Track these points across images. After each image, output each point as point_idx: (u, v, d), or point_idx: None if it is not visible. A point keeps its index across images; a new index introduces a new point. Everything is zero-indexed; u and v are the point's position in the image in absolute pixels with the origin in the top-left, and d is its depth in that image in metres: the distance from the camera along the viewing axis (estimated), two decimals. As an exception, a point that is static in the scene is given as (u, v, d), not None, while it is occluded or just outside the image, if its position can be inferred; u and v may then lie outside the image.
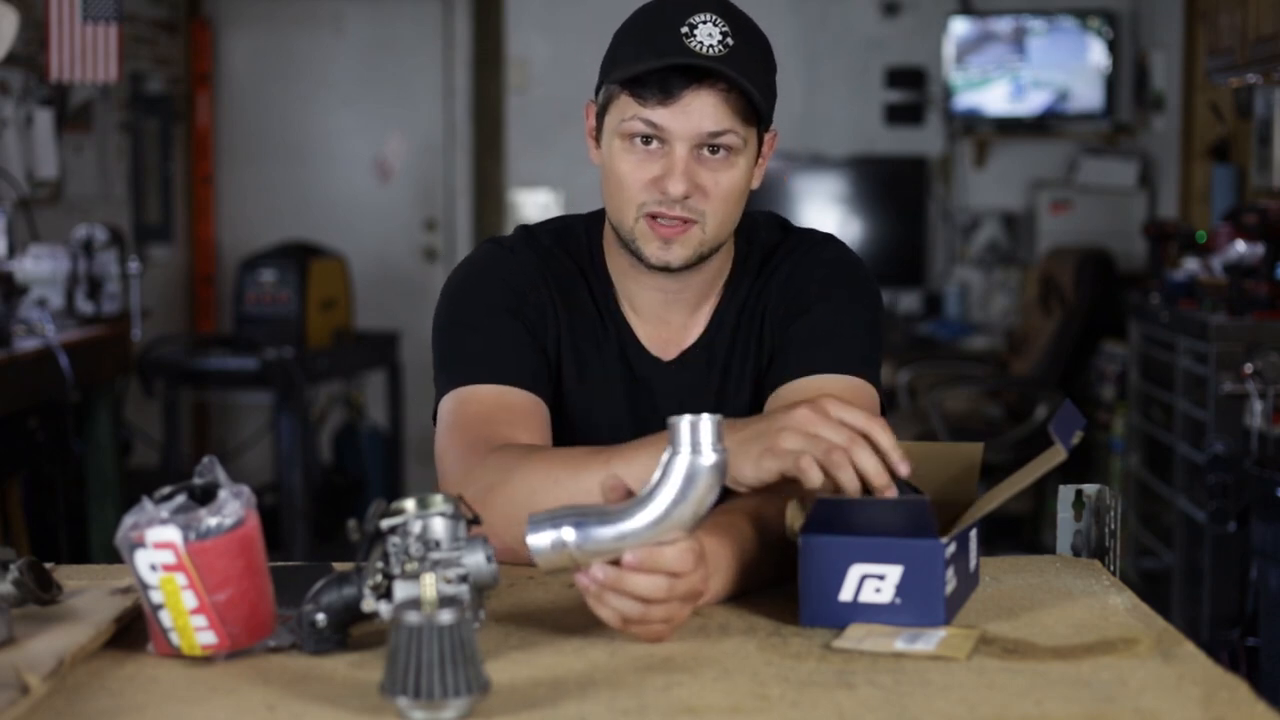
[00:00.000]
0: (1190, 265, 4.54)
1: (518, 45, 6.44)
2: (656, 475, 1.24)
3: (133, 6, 5.66)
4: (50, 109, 4.94)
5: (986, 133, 6.36)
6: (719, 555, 1.36)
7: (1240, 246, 3.99)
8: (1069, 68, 6.23)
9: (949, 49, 6.27)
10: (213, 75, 6.47)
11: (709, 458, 1.23)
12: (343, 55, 6.54)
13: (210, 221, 6.49)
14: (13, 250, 4.29)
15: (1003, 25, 6.24)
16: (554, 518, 1.24)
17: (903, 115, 6.44)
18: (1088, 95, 6.23)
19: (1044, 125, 6.31)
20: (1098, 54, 6.21)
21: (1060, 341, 5.52)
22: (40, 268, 4.28)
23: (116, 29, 4.08)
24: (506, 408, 1.62)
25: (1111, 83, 6.22)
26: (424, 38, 6.54)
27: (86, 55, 4.06)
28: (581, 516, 1.24)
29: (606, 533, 1.23)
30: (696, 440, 1.23)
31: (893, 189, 6.42)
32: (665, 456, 1.24)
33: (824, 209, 6.39)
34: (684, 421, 1.23)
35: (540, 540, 1.23)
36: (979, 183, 6.45)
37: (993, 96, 6.27)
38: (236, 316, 5.24)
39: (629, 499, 1.26)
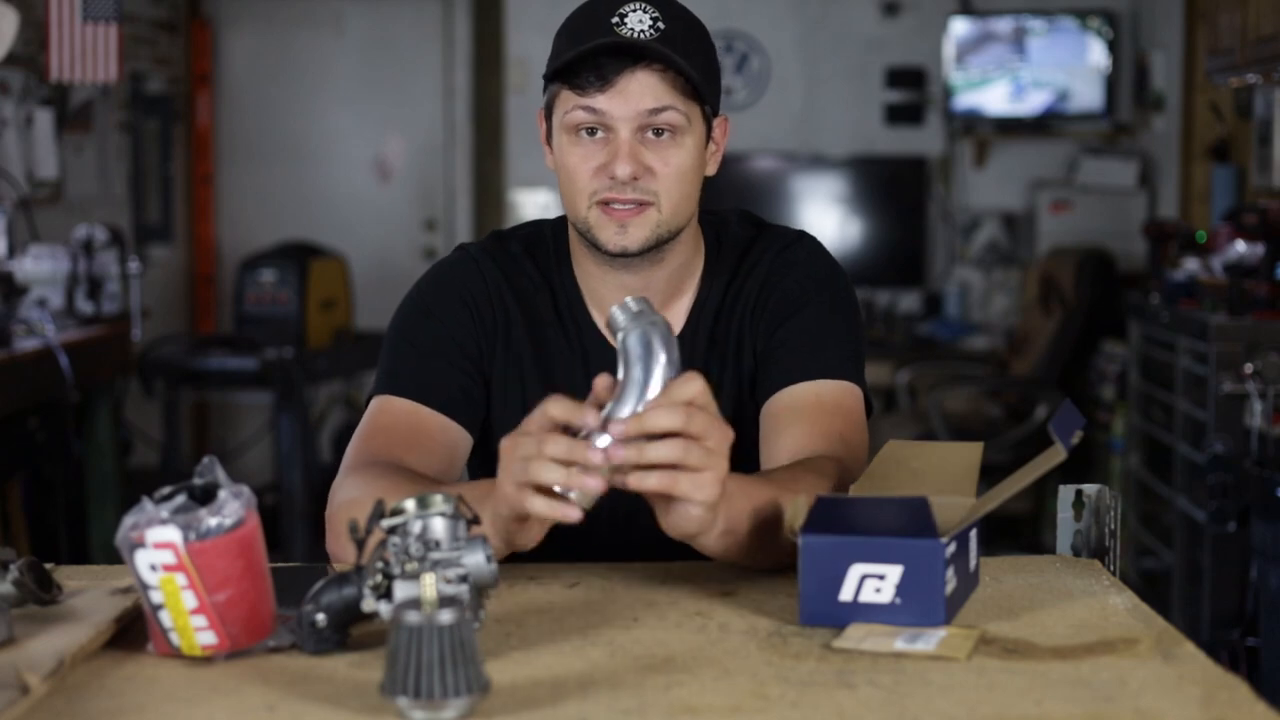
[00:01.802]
0: (1190, 265, 4.54)
1: (518, 45, 6.44)
2: (621, 364, 1.30)
3: (133, 6, 5.66)
4: (50, 109, 4.94)
5: (986, 133, 6.36)
6: (743, 483, 1.39)
7: (1240, 246, 3.99)
8: (1069, 68, 6.24)
9: (949, 49, 6.28)
10: (213, 75, 6.48)
11: (655, 320, 1.31)
12: (343, 55, 6.54)
13: (210, 221, 6.49)
14: (13, 250, 4.30)
15: (1003, 25, 6.25)
16: None
17: (903, 115, 6.44)
18: (1088, 95, 6.23)
19: (1044, 125, 6.31)
20: (1098, 54, 6.21)
21: (1060, 341, 5.52)
22: (40, 268, 4.29)
23: (116, 29, 4.08)
24: (413, 427, 1.65)
25: (1111, 83, 6.22)
26: (424, 38, 6.54)
27: (86, 55, 4.06)
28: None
29: (605, 439, 1.27)
30: (638, 313, 1.31)
31: (893, 189, 6.42)
32: (620, 338, 1.30)
33: (824, 209, 6.39)
34: (616, 308, 1.32)
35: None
36: (979, 183, 6.45)
37: (993, 96, 6.28)
38: (236, 316, 5.24)
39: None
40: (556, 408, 1.28)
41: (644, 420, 1.26)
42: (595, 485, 1.26)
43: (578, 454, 1.26)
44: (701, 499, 1.29)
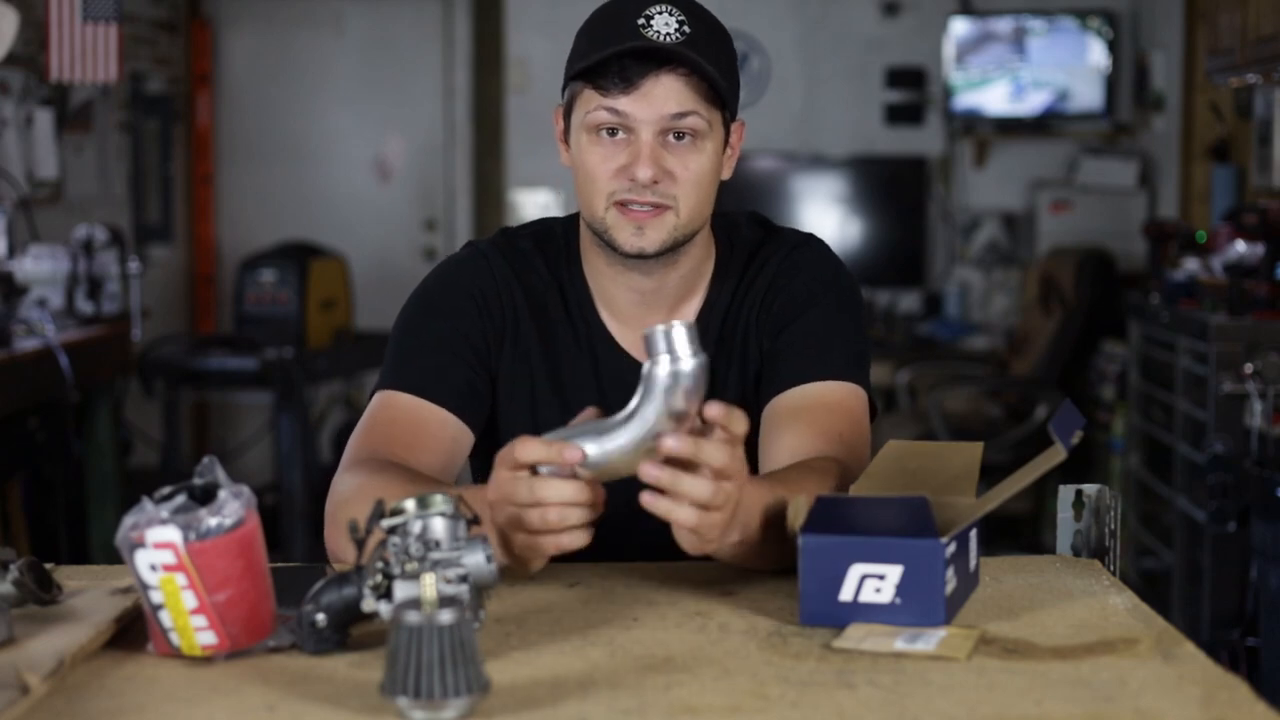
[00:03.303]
0: (1190, 265, 4.54)
1: (518, 45, 6.44)
2: (640, 390, 1.27)
3: (133, 6, 5.66)
4: (50, 109, 4.94)
5: (986, 133, 6.36)
6: (752, 488, 1.38)
7: (1240, 246, 3.99)
8: (1069, 68, 6.23)
9: (949, 49, 6.27)
10: (213, 75, 6.48)
11: (688, 362, 1.26)
12: (343, 55, 6.54)
13: (210, 221, 6.49)
14: (13, 250, 4.29)
15: (1003, 25, 6.25)
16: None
17: (903, 115, 6.44)
18: (1088, 95, 6.23)
19: (1044, 125, 6.31)
20: (1098, 54, 6.21)
21: (1060, 341, 5.52)
22: (40, 268, 4.29)
23: (116, 29, 4.08)
24: (414, 423, 1.65)
25: (1111, 83, 6.22)
26: (424, 38, 6.54)
27: (86, 55, 4.06)
28: (571, 438, 1.29)
29: (595, 449, 1.28)
30: (672, 347, 1.27)
31: (893, 189, 6.42)
32: (645, 367, 1.27)
33: (824, 209, 6.39)
34: (658, 330, 1.27)
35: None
36: (979, 183, 6.45)
37: (993, 96, 6.28)
38: (236, 316, 5.24)
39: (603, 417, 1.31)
40: (524, 450, 1.29)
41: (700, 450, 1.25)
42: (576, 541, 1.30)
43: (540, 492, 1.28)
44: (713, 538, 1.31)
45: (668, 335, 1.26)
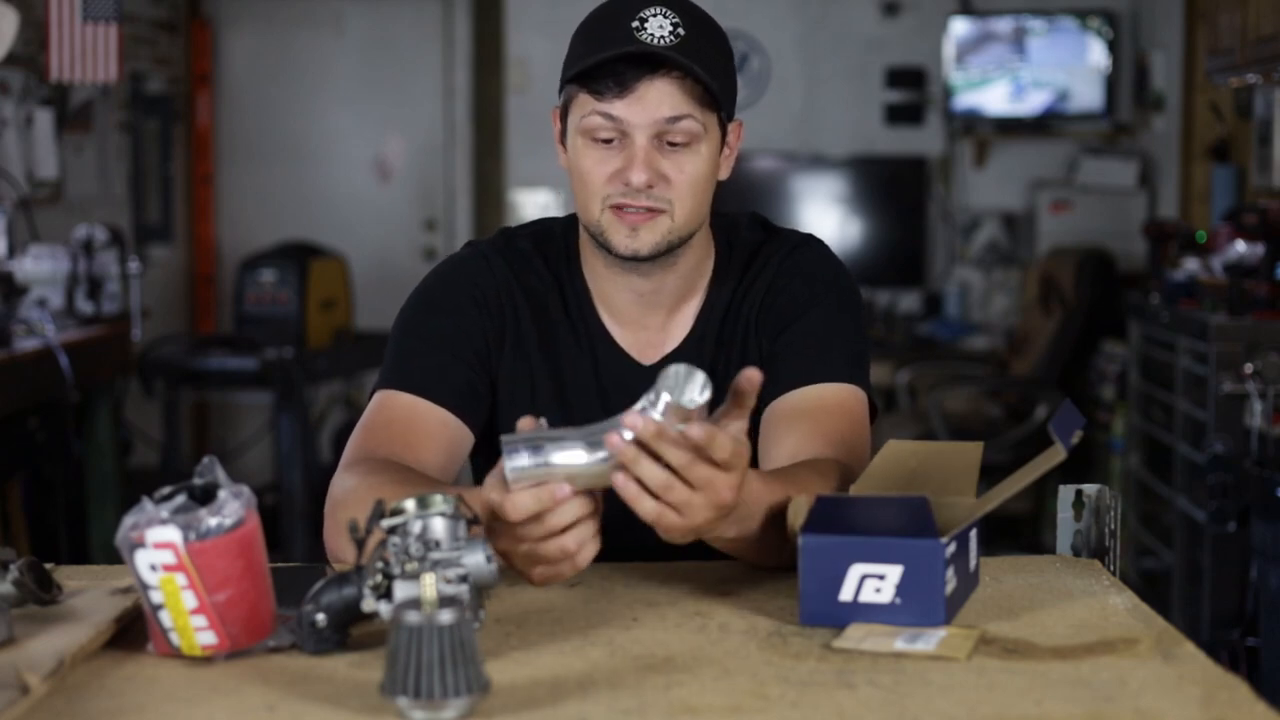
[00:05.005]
0: (1190, 265, 4.54)
1: (518, 45, 6.44)
2: (638, 409, 1.26)
3: (133, 6, 5.66)
4: (50, 109, 4.94)
5: (986, 133, 6.36)
6: (756, 481, 1.37)
7: (1240, 246, 3.99)
8: (1069, 68, 6.24)
9: (949, 49, 6.28)
10: (213, 75, 6.48)
11: (694, 403, 1.24)
12: (343, 55, 6.54)
13: (210, 221, 6.49)
14: (13, 250, 4.29)
15: (1003, 25, 6.25)
16: (530, 442, 1.27)
17: (903, 115, 6.44)
18: (1088, 95, 6.23)
19: (1044, 125, 6.31)
20: (1098, 54, 6.21)
21: (1060, 341, 5.52)
22: (40, 268, 4.29)
23: (116, 29, 4.08)
24: (413, 423, 1.65)
25: (1111, 83, 6.22)
26: (424, 38, 6.54)
27: (86, 55, 4.06)
28: (550, 441, 1.27)
29: (586, 458, 1.26)
30: (681, 387, 1.24)
31: (893, 189, 6.42)
32: (650, 398, 1.25)
33: (824, 209, 6.39)
34: (674, 369, 1.24)
35: (518, 460, 1.27)
36: (979, 183, 6.45)
37: (993, 96, 6.28)
38: (236, 316, 5.24)
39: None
40: (516, 511, 1.27)
41: (656, 438, 1.23)
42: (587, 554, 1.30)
43: (549, 526, 1.28)
44: (673, 539, 1.30)
45: (678, 376, 1.24)
